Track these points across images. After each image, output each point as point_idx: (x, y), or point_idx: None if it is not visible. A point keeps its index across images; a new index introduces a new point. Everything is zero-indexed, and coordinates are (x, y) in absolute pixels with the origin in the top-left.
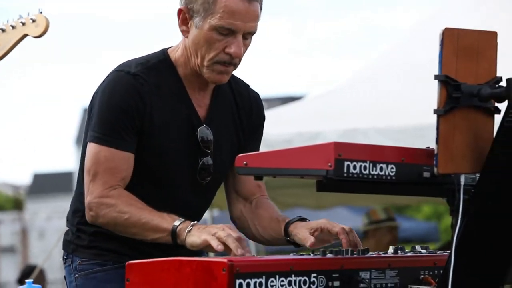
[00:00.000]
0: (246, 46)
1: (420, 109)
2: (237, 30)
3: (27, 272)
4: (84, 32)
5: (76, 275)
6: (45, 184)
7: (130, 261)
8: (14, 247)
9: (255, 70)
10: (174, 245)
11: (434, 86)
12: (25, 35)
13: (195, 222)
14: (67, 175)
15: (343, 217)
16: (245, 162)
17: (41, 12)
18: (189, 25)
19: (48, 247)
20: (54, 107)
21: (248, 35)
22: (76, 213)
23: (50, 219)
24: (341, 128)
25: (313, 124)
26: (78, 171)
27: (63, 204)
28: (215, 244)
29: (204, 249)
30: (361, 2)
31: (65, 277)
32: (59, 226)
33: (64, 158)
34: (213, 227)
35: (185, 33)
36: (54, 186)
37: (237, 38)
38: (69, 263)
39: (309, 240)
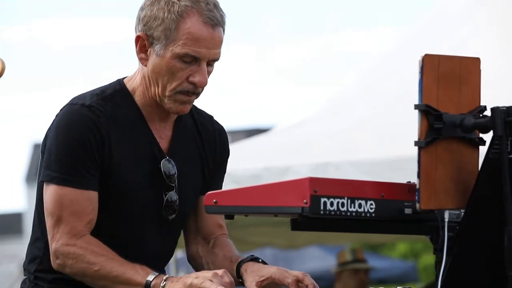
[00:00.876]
0: (209, 74)
1: (396, 140)
2: (202, 58)
3: None
4: (31, 61)
5: None
6: None
7: None
8: None
9: (217, 100)
10: None
11: (410, 115)
12: None
13: (168, 276)
14: (16, 216)
15: (316, 257)
16: (214, 200)
17: None
18: (148, 53)
19: None
20: (1, 142)
21: (211, 62)
22: (34, 261)
23: None
24: (312, 161)
25: (282, 158)
26: (34, 215)
27: (11, 247)
28: None
29: None
30: (323, 28)
31: None
32: (7, 271)
33: (13, 197)
34: (187, 277)
35: (143, 61)
36: (2, 228)
37: (201, 66)
38: None
39: None
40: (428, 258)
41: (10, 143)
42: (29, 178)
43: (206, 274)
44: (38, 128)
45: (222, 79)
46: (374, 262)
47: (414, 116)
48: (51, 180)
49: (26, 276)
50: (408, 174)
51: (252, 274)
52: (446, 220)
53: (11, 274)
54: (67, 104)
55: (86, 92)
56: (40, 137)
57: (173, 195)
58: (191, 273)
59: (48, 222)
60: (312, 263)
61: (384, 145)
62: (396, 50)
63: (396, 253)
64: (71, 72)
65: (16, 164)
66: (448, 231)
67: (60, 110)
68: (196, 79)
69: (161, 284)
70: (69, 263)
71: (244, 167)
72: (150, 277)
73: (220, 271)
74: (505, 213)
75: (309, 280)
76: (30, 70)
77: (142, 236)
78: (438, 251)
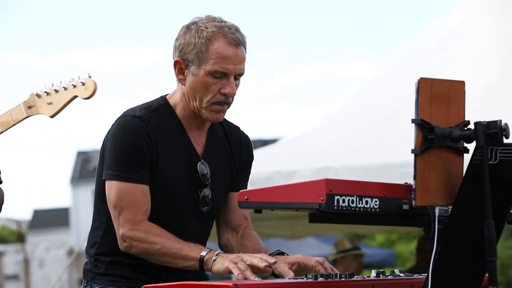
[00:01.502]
0: (237, 86)
1: (382, 148)
2: (229, 73)
3: None
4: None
5: None
6: (44, 219)
7: (145, 285)
8: (18, 275)
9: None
10: (201, 270)
11: (393, 129)
12: (75, 96)
13: (219, 251)
14: (64, 211)
15: (313, 246)
16: (246, 197)
17: (90, 76)
18: (185, 74)
19: (47, 275)
20: (51, 150)
21: (238, 76)
22: (94, 246)
23: (49, 250)
24: (314, 166)
25: (289, 164)
26: (94, 209)
27: (60, 237)
28: (236, 272)
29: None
30: (318, 55)
31: None
32: (56, 256)
33: (60, 196)
34: (234, 256)
35: (182, 81)
36: (52, 221)
37: (229, 80)
38: None
39: (289, 274)
40: (402, 247)
41: (58, 150)
42: (73, 180)
43: (245, 261)
44: (82, 138)
45: (240, 99)
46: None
47: (398, 130)
48: (112, 178)
49: (87, 259)
50: (392, 177)
51: (282, 263)
52: (437, 214)
53: (59, 258)
54: (120, 116)
55: (136, 106)
56: (82, 146)
57: (206, 192)
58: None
59: (113, 213)
60: (310, 251)
61: (372, 153)
62: (383, 74)
63: (375, 243)
64: (108, 94)
65: (62, 168)
66: (438, 224)
67: (115, 121)
68: (226, 90)
69: (213, 258)
70: (135, 244)
71: (258, 170)
72: (203, 253)
73: (259, 254)
74: (485, 209)
75: (327, 264)
76: None
77: (183, 225)
78: (430, 241)
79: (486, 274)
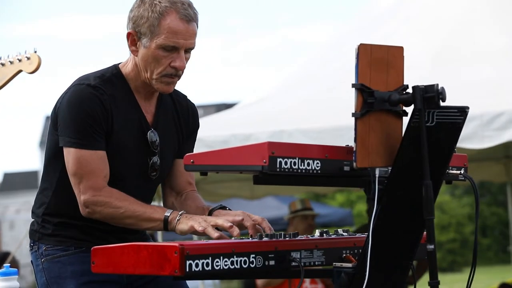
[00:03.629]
0: (187, 60)
1: (335, 112)
2: (180, 47)
3: (1, 257)
4: (41, 50)
5: (42, 259)
6: (14, 182)
7: (94, 246)
8: None
9: (192, 80)
10: (165, 230)
11: (346, 92)
12: (20, 71)
13: (182, 212)
14: (33, 174)
15: (272, 206)
16: (192, 160)
17: (35, 52)
18: (137, 46)
19: (18, 236)
20: (20, 114)
21: (188, 50)
22: (41, 206)
23: (19, 212)
24: (269, 129)
25: (245, 127)
26: (43, 171)
27: (30, 199)
28: (198, 227)
29: (191, 233)
30: (281, 21)
31: (31, 261)
32: (27, 218)
33: (29, 159)
34: (199, 216)
35: (134, 52)
36: (21, 183)
37: (180, 54)
38: (36, 249)
39: (234, 231)
40: (361, 207)
41: (27, 115)
42: (42, 144)
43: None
44: (50, 103)
45: (197, 63)
46: (318, 210)
47: (350, 94)
48: (70, 145)
49: (34, 219)
50: (346, 139)
51: (224, 218)
52: (377, 175)
53: (29, 220)
54: (74, 84)
55: (89, 74)
56: (50, 111)
57: (155, 159)
58: None
59: (73, 180)
60: (269, 211)
61: (326, 117)
62: (334, 40)
63: (335, 203)
64: (74, 60)
65: (31, 132)
66: (378, 184)
67: (69, 88)
68: (176, 64)
69: (177, 218)
70: (98, 210)
71: (215, 134)
72: (167, 213)
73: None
74: (423, 169)
75: (266, 224)
76: (43, 58)
77: (131, 188)
78: (370, 201)
79: (425, 232)
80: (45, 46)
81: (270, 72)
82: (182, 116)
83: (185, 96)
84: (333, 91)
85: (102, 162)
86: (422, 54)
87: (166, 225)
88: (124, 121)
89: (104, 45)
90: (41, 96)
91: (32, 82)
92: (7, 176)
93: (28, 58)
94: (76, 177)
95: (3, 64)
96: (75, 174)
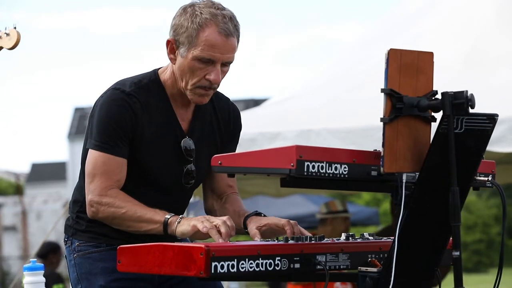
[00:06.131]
0: (224, 73)
1: (364, 112)
2: (216, 60)
3: (53, 248)
4: (72, 43)
5: (75, 255)
6: (42, 173)
7: (121, 245)
8: (15, 226)
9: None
10: (164, 235)
11: (375, 92)
12: (1, 48)
13: (182, 215)
14: (61, 165)
15: (298, 203)
16: (219, 162)
17: (15, 28)
18: (176, 54)
19: (44, 227)
20: (49, 106)
21: (226, 63)
22: (77, 203)
23: (46, 203)
24: (297, 128)
25: (273, 125)
26: (80, 168)
27: (57, 190)
28: (201, 227)
29: (193, 235)
30: (312, 20)
31: (65, 256)
32: (53, 208)
33: (58, 150)
34: (199, 217)
35: (172, 60)
36: (49, 174)
37: (216, 67)
38: (69, 244)
39: (255, 236)
40: (387, 205)
41: (56, 106)
42: (70, 135)
43: (215, 223)
44: (79, 95)
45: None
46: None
47: (379, 94)
48: (93, 147)
49: (70, 215)
50: (374, 139)
51: (254, 223)
52: (404, 181)
53: (55, 210)
54: (111, 88)
55: (127, 79)
56: (79, 102)
57: (191, 167)
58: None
59: (86, 180)
60: (296, 209)
61: (354, 117)
62: (363, 40)
63: (361, 201)
64: (105, 53)
65: (60, 123)
66: (405, 190)
67: (105, 92)
68: (211, 77)
69: (177, 220)
70: (101, 209)
71: (242, 131)
72: (168, 215)
73: (225, 217)
74: (450, 176)
75: (298, 227)
76: (74, 50)
77: (165, 197)
78: (397, 206)
79: (451, 239)
80: (76, 39)
81: (300, 70)
82: (223, 120)
83: (227, 99)
84: (362, 91)
85: (118, 167)
86: (452, 56)
87: (166, 227)
88: (157, 129)
89: (136, 38)
90: (71, 87)
91: (62, 73)
92: (35, 166)
93: (8, 35)
94: (89, 177)
95: None
96: (89, 174)
